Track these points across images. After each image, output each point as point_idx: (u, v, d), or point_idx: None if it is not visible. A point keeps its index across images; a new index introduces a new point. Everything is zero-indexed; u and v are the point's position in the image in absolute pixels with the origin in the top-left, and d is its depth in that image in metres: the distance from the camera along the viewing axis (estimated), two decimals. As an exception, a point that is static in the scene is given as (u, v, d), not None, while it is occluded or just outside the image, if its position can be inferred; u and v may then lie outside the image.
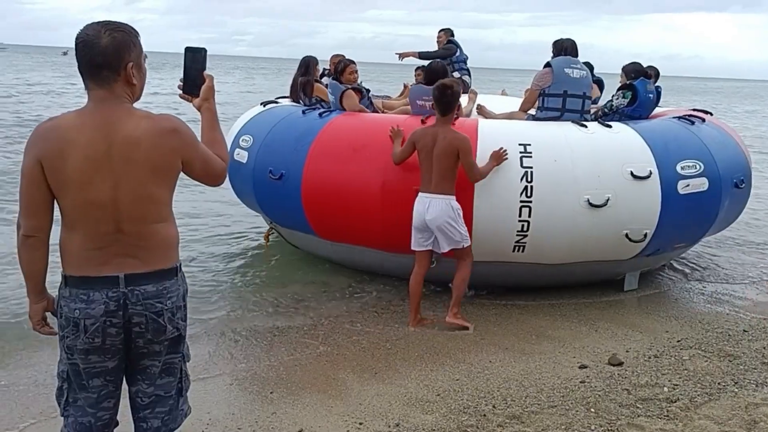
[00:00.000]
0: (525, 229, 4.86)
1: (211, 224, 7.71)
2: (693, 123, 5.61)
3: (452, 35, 7.85)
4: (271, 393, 3.70)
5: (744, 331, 4.86)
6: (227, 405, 3.55)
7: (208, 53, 2.31)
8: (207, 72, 2.28)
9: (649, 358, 4.31)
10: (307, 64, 6.52)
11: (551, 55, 5.70)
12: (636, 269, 5.70)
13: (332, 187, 5.19)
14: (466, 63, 7.85)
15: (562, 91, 5.36)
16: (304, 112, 5.87)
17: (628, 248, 5.15)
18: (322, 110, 5.84)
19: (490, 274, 5.24)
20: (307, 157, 5.30)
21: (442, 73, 5.55)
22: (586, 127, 5.16)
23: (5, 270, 5.64)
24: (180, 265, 2.24)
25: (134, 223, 2.08)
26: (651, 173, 4.92)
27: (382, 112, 6.32)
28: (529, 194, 4.79)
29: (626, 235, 5.00)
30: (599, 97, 6.85)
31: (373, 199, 5.02)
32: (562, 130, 5.12)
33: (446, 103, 4.62)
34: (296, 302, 5.33)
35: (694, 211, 5.19)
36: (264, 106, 6.40)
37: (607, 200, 4.83)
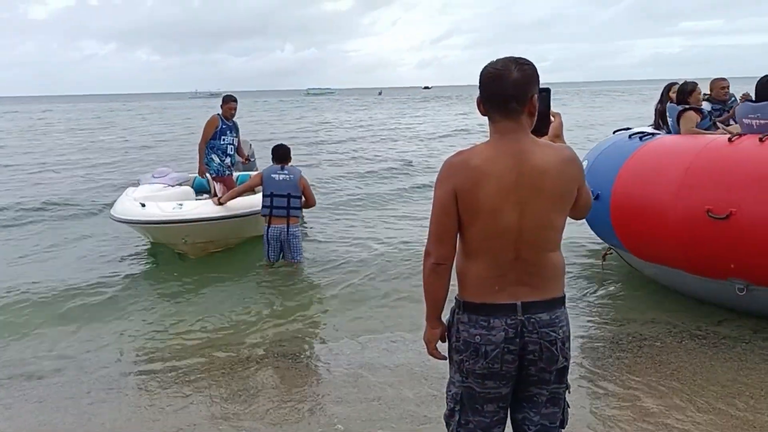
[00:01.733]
0: None
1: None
2: None
3: None
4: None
5: None
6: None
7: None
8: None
9: None
10: (667, 91, 6.33)
11: None
12: None
13: (634, 206, 5.41)
14: None
15: None
16: (630, 136, 6.04)
17: None
18: (646, 134, 5.90)
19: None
20: (616, 178, 5.62)
21: None
22: None
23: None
24: (565, 295, 2.24)
25: (533, 250, 2.14)
26: None
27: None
28: None
29: None
30: None
31: (669, 220, 5.03)
32: None
33: None
34: (639, 341, 4.93)
35: None
36: (614, 133, 6.59)
37: None
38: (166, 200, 7.52)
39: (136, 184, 8.78)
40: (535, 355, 2.15)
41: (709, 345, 4.75)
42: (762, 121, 5.07)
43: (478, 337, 2.15)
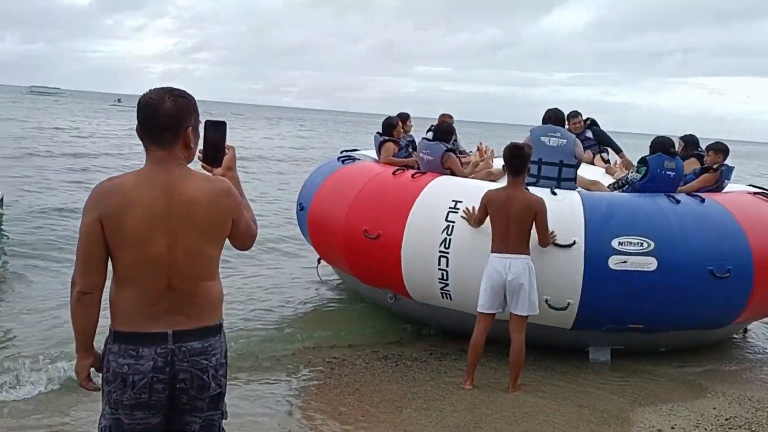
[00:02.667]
0: (445, 277, 5.33)
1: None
2: (679, 202, 5.39)
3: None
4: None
5: (795, 410, 4.67)
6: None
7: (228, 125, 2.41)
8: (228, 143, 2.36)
9: (696, 437, 4.17)
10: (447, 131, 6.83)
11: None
12: (600, 344, 5.49)
13: (321, 220, 6.44)
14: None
15: (537, 159, 5.52)
16: (338, 158, 7.11)
17: (555, 316, 5.18)
18: (348, 158, 6.97)
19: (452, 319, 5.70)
20: (315, 193, 6.64)
21: (448, 131, 6.25)
22: (527, 190, 5.18)
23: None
24: (222, 323, 2.30)
25: (186, 280, 2.17)
26: (575, 243, 5.02)
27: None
28: (447, 246, 5.27)
29: (546, 301, 5.04)
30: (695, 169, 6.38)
31: (341, 235, 6.01)
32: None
33: (518, 164, 4.72)
34: (332, 365, 5.38)
35: (636, 291, 5.05)
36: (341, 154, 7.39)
37: None
38: None
39: None
40: (187, 383, 2.16)
41: (391, 365, 5.40)
42: (430, 158, 6.06)
43: (126, 366, 2.12)
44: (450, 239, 5.24)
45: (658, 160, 5.67)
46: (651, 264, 5.02)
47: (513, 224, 4.65)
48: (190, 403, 2.20)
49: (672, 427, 4.30)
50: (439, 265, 5.29)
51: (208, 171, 2.33)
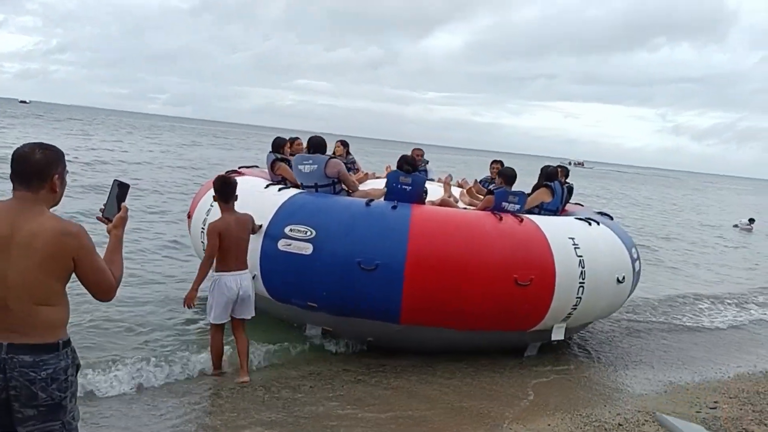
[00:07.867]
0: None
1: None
2: (369, 206, 6.16)
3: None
4: None
5: (619, 425, 5.03)
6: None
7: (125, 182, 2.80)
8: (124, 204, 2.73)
9: (532, 454, 4.42)
10: (277, 144, 7.61)
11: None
12: (314, 323, 6.34)
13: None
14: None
15: (300, 183, 6.74)
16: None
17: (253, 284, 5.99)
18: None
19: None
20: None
21: (278, 144, 7.44)
22: (267, 188, 6.77)
23: None
24: (64, 341, 2.57)
25: (20, 302, 2.47)
26: (261, 227, 6.12)
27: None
28: (204, 223, 6.74)
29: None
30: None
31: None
32: (254, 186, 6.88)
33: (228, 193, 5.43)
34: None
35: (296, 271, 6.00)
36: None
37: None
38: None
39: None
40: (17, 391, 2.46)
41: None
42: (267, 166, 7.46)
43: None
44: (207, 218, 6.69)
45: (394, 175, 6.56)
46: (308, 249, 5.95)
47: (241, 243, 5.37)
48: (21, 411, 2.49)
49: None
50: (201, 239, 6.77)
51: (104, 223, 2.72)
